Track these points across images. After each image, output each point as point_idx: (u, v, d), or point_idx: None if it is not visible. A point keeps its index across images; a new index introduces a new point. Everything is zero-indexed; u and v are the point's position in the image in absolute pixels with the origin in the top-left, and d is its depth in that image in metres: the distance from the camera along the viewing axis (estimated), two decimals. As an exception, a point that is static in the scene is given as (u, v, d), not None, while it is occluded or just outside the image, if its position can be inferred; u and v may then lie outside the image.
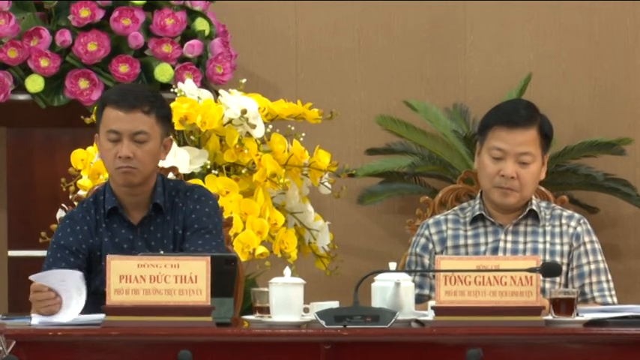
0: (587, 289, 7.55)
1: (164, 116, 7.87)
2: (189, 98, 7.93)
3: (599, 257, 7.59)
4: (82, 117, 8.82)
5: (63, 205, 8.08)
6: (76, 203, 7.96)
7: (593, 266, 7.67)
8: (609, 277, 7.64)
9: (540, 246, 7.57)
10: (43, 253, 8.29)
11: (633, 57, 10.26)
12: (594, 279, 7.67)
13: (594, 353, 7.16)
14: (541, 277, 6.92)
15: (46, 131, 8.48)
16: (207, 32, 9.10)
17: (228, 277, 7.25)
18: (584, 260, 7.77)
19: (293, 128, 8.19)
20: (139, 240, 7.53)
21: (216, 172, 7.76)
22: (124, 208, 7.70)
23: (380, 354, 7.20)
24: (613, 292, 7.59)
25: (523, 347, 7.16)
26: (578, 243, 7.56)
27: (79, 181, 8.18)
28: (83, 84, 8.78)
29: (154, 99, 7.65)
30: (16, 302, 7.90)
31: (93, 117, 8.21)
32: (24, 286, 8.15)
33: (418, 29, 11.06)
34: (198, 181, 7.62)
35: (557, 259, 7.34)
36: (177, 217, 7.65)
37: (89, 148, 8.15)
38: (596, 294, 7.55)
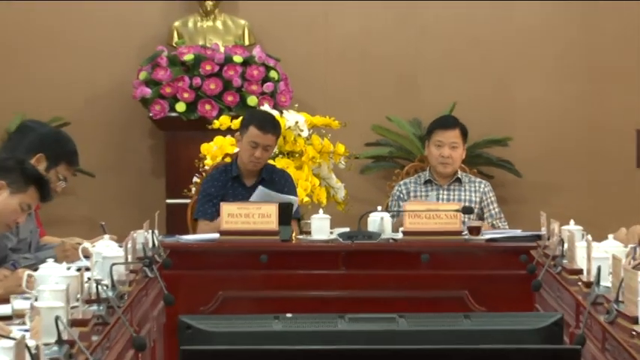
0: (493, 222, 7.95)
1: (279, 135, 7.99)
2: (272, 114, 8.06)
3: (496, 204, 8.17)
4: (207, 125, 8.59)
5: (196, 174, 8.30)
6: (204, 174, 8.14)
7: (494, 210, 8.06)
8: (502, 215, 8.18)
9: (462, 197, 8.00)
10: (185, 200, 8.38)
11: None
12: (496, 217, 8.05)
13: (491, 256, 7.26)
14: (462, 215, 7.22)
15: (186, 133, 8.26)
16: (276, 78, 9.10)
17: (287, 214, 7.16)
18: (490, 207, 8.03)
19: (324, 131, 8.24)
20: (248, 197, 7.50)
21: (281, 156, 7.80)
22: (242, 177, 7.67)
23: (372, 257, 7.35)
24: (505, 223, 8.08)
25: (452, 253, 7.36)
26: (486, 197, 8.14)
27: (205, 161, 8.02)
28: (207, 107, 8.91)
29: (278, 126, 7.96)
30: (171, 229, 7.86)
31: (214, 125, 8.67)
32: (175, 221, 8.62)
33: (389, 81, 9.95)
34: (271, 161, 7.83)
35: (472, 205, 7.66)
36: (274, 184, 7.64)
37: (211, 143, 8.35)
38: (496, 223, 7.91)
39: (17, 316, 4.34)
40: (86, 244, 5.77)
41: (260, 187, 7.42)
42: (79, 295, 4.63)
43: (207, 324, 4.79)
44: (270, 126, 7.63)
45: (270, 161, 7.83)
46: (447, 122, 7.94)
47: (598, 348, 4.79)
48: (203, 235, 7.25)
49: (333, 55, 9.86)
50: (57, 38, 9.70)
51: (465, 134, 7.88)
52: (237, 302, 6.78)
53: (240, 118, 8.06)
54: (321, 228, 7.15)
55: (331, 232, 7.19)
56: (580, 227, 6.11)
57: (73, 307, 4.32)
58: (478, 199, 7.82)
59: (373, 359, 4.43)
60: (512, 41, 9.88)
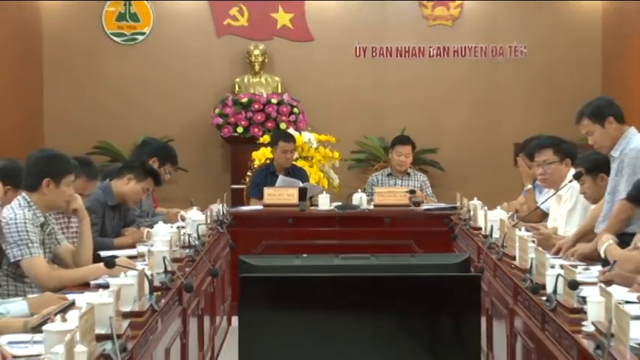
0: (429, 199, 7.48)
1: (295, 143, 7.67)
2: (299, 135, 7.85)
3: (430, 188, 7.75)
4: (255, 141, 8.33)
5: (248, 170, 8.02)
6: (253, 170, 7.89)
7: (428, 191, 7.64)
8: (433, 194, 7.71)
9: (409, 184, 7.56)
10: (242, 186, 8.12)
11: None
12: (430, 196, 7.57)
13: (427, 219, 7.03)
14: (409, 195, 7.02)
15: (243, 146, 7.65)
16: (297, 112, 8.94)
17: (303, 194, 6.94)
18: (426, 191, 7.52)
19: (326, 144, 7.90)
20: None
21: (300, 159, 7.59)
22: (276, 172, 7.34)
23: (355, 220, 7.04)
24: (435, 199, 7.64)
25: (403, 217, 6.99)
26: (424, 184, 7.70)
27: (254, 162, 7.62)
28: (255, 130, 8.71)
29: (294, 138, 7.54)
30: (234, 203, 7.66)
31: (260, 140, 8.38)
32: (236, 198, 8.31)
33: (366, 114, 9.70)
34: (294, 162, 7.56)
35: (415, 188, 7.29)
36: (295, 176, 7.31)
37: (258, 152, 7.92)
38: (432, 199, 7.52)
39: (140, 256, 4.34)
40: (182, 212, 5.81)
41: (280, 176, 7.21)
42: (177, 243, 4.64)
43: (255, 260, 4.76)
44: (291, 138, 7.44)
45: (293, 162, 7.50)
46: (403, 140, 7.62)
47: (491, 275, 4.79)
48: (253, 207, 7.17)
49: (332, 98, 9.52)
50: (166, 86, 9.49)
51: (413, 147, 7.61)
52: (273, 248, 6.62)
53: (271, 138, 7.83)
54: (324, 202, 7.02)
55: (330, 205, 7.00)
56: (480, 202, 6.07)
57: (174, 251, 4.36)
58: (419, 185, 7.49)
59: (355, 282, 4.37)
60: (441, 88, 9.57)
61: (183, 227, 5.10)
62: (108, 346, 2.59)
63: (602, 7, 9.41)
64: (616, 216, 4.41)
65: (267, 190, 6.96)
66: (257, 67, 9.36)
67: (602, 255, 4.14)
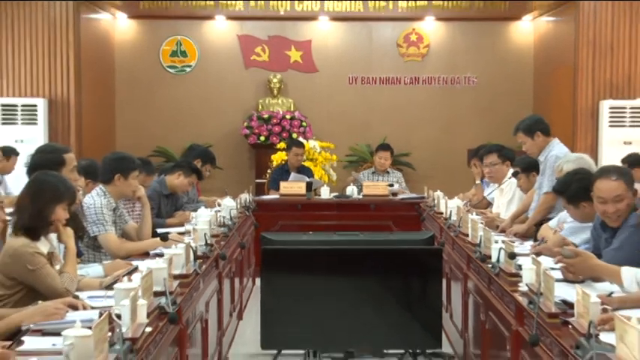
0: (404, 190, 7.16)
1: (304, 148, 7.54)
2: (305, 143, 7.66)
3: (404, 183, 7.53)
4: (274, 147, 8.39)
5: (268, 169, 7.86)
6: (271, 168, 7.71)
7: (403, 185, 7.39)
8: (407, 187, 7.44)
9: (389, 180, 7.30)
10: (264, 180, 7.94)
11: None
12: (405, 188, 7.31)
13: (402, 206, 6.83)
14: (389, 187, 6.89)
15: (265, 150, 7.35)
16: (305, 125, 8.69)
17: (309, 187, 6.90)
18: (402, 185, 7.31)
19: (327, 149, 7.76)
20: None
21: (308, 160, 7.48)
22: (290, 170, 7.21)
23: (349, 206, 6.84)
24: (407, 191, 7.30)
25: (385, 204, 6.78)
26: (400, 180, 7.45)
27: (273, 163, 7.48)
28: (274, 139, 8.44)
29: (303, 144, 7.45)
30: (258, 193, 7.48)
31: (277, 146, 8.18)
32: (259, 189, 8.07)
33: (357, 127, 9.38)
34: (303, 163, 7.45)
35: (392, 183, 7.05)
36: (304, 173, 7.15)
37: (275, 155, 7.85)
38: (406, 191, 7.23)
39: (187, 233, 4.30)
40: (219, 200, 5.72)
41: (292, 173, 7.10)
42: (215, 223, 4.60)
43: (273, 236, 4.79)
44: (301, 145, 7.35)
45: (302, 163, 7.35)
46: (384, 147, 7.48)
47: (450, 248, 4.76)
48: (272, 196, 7.06)
49: (331, 115, 9.32)
50: (207, 105, 9.34)
51: (392, 152, 7.48)
52: (287, 226, 6.48)
53: (286, 144, 7.79)
54: (325, 193, 6.95)
55: (330, 195, 6.92)
56: (442, 193, 6.01)
57: (212, 229, 4.33)
58: (395, 180, 7.32)
59: (348, 252, 4.40)
60: (413, 108, 9.37)
61: (219, 211, 5.08)
62: (162, 300, 2.59)
63: (534, 47, 9.34)
64: (540, 206, 4.47)
65: (282, 184, 6.91)
66: (275, 92, 9.26)
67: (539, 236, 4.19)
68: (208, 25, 9.48)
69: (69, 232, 3.06)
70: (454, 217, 4.97)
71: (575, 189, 3.51)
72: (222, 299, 4.28)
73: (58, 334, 2.01)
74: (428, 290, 4.26)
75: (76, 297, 2.67)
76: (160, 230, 4.38)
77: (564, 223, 3.90)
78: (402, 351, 4.30)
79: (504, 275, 3.14)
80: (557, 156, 4.42)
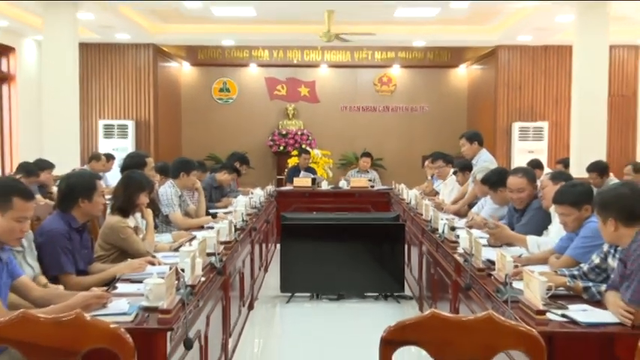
0: (378, 184, 6.91)
1: (310, 154, 7.13)
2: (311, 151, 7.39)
3: (378, 179, 6.99)
4: (290, 154, 8.09)
5: (285, 169, 7.54)
6: (287, 168, 7.29)
7: (377, 180, 6.91)
8: (380, 182, 6.96)
9: (368, 177, 6.83)
10: (282, 177, 7.79)
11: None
12: (379, 183, 6.93)
13: (376, 194, 6.50)
14: (368, 182, 6.60)
15: (283, 156, 7.24)
16: (311, 139, 8.51)
17: (314, 181, 6.71)
18: (377, 180, 6.92)
19: (327, 155, 7.63)
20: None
21: (312, 164, 7.14)
22: (300, 169, 6.84)
23: (340, 195, 6.56)
24: (380, 184, 6.85)
25: (365, 194, 6.46)
26: (377, 177, 6.91)
27: (288, 165, 7.32)
28: (290, 149, 8.71)
29: (309, 152, 7.10)
30: (278, 186, 7.01)
31: (292, 153, 7.95)
32: (279, 183, 7.74)
33: (346, 140, 9.16)
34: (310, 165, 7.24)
35: (370, 180, 6.65)
36: (310, 172, 6.84)
37: (290, 159, 7.66)
38: (380, 184, 6.84)
39: (230, 212, 4.14)
40: (252, 190, 5.61)
41: (302, 172, 6.89)
42: (249, 206, 4.48)
43: (289, 215, 4.72)
44: (308, 152, 7.18)
45: (309, 165, 7.13)
46: (365, 154, 7.18)
47: (410, 223, 4.64)
48: (288, 187, 6.84)
49: (329, 132, 9.14)
50: (244, 126, 9.23)
51: (371, 158, 7.19)
52: (299, 208, 6.26)
53: (297, 152, 7.57)
54: (324, 185, 6.73)
55: (328, 187, 6.73)
56: (404, 185, 5.89)
57: (247, 210, 4.21)
58: (373, 177, 7.08)
59: (340, 226, 4.37)
60: (385, 128, 9.25)
61: (252, 198, 4.98)
62: (213, 259, 2.56)
63: (467, 86, 9.27)
64: (468, 199, 4.39)
65: (295, 179, 6.78)
66: (290, 116, 9.17)
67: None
68: (244, 70, 9.43)
69: (149, 212, 3.03)
70: (413, 202, 4.89)
71: (495, 180, 3.53)
72: (253, 258, 4.24)
73: (140, 281, 2.00)
74: (395, 252, 4.25)
75: (154, 257, 2.64)
76: (211, 211, 4.34)
77: (484, 206, 3.85)
78: (376, 294, 4.26)
79: (447, 242, 3.12)
80: (485, 160, 4.41)
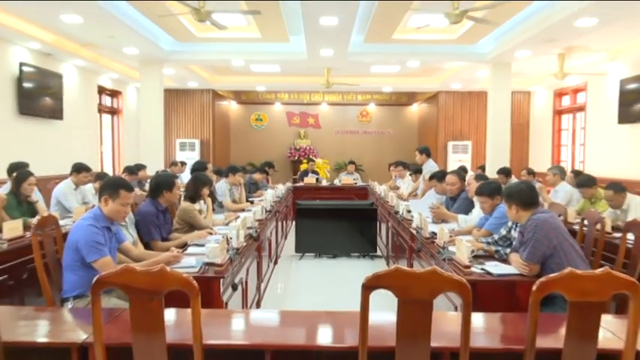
0: (360, 182, 6.62)
1: (314, 162, 6.72)
2: (315, 160, 7.20)
3: (360, 179, 6.51)
4: (302, 161, 7.81)
5: (298, 172, 7.04)
6: (299, 171, 7.07)
7: (360, 181, 6.57)
8: (361, 181, 6.78)
9: (354, 177, 6.28)
10: (295, 176, 7.58)
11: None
12: (361, 182, 6.63)
13: (360, 190, 6.15)
14: (354, 180, 6.29)
15: (296, 164, 6.90)
16: (315, 152, 8.30)
17: (318, 180, 6.51)
18: (359, 179, 6.62)
19: (326, 163, 7.57)
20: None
21: (316, 168, 7.03)
22: (308, 172, 6.43)
23: (335, 190, 6.24)
24: (362, 183, 6.29)
25: (352, 189, 6.17)
26: (358, 178, 6.41)
27: (301, 169, 6.79)
28: (302, 159, 8.31)
29: (314, 160, 6.91)
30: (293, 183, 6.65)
31: (303, 162, 7.50)
32: (294, 181, 7.43)
33: (339, 152, 8.83)
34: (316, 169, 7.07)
35: (354, 180, 6.16)
36: (315, 174, 6.41)
37: (301, 165, 7.37)
38: (360, 182, 6.51)
39: (262, 200, 3.96)
40: (276, 186, 5.50)
41: (309, 174, 6.69)
42: (275, 197, 4.39)
43: (302, 202, 4.51)
44: (314, 161, 7.00)
45: (314, 169, 6.97)
46: (351, 162, 6.93)
47: (381, 208, 4.49)
48: (300, 184, 6.55)
49: (327, 148, 8.99)
50: (271, 144, 9.13)
51: (355, 165, 7.01)
52: (308, 197, 5.96)
53: (307, 161, 7.38)
54: (324, 183, 6.45)
55: (327, 183, 6.51)
56: (377, 183, 5.84)
57: (273, 199, 4.18)
58: (356, 177, 6.76)
59: (336, 209, 4.25)
60: (364, 145, 9.14)
61: (276, 190, 4.86)
62: (251, 230, 2.56)
63: (418, 118, 9.18)
64: (414, 190, 4.41)
65: (305, 179, 6.56)
66: (302, 137, 9.04)
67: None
68: (272, 106, 9.21)
69: (209, 200, 3.00)
70: (382, 194, 4.82)
71: (440, 176, 3.50)
72: (277, 230, 4.19)
73: (203, 245, 2.02)
74: (370, 226, 4.23)
75: (212, 229, 2.58)
76: (250, 199, 4.29)
77: (429, 197, 3.78)
78: (358, 254, 4.22)
79: (405, 220, 3.10)
80: (431, 167, 4.38)
